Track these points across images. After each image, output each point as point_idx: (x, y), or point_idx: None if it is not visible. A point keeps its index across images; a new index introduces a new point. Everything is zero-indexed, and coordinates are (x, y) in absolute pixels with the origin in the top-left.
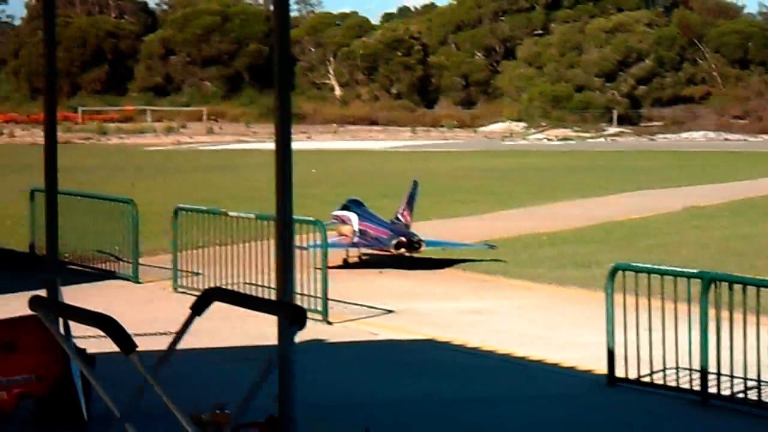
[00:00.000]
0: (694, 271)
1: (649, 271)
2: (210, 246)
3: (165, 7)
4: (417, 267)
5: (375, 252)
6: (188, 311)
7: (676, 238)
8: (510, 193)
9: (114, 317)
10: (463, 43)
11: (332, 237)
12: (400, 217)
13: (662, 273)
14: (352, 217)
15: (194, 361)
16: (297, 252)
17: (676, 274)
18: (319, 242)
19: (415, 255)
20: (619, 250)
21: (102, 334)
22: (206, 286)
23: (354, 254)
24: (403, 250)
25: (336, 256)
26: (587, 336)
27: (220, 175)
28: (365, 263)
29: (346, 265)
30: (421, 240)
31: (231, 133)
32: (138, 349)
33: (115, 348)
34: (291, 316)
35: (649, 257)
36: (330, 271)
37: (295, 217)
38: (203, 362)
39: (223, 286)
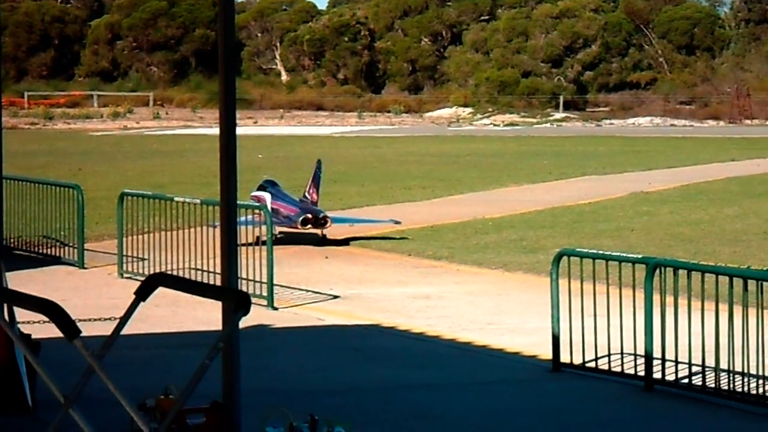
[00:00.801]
0: (639, 256)
1: (594, 257)
2: (156, 231)
3: None
4: (329, 245)
5: (286, 230)
6: (133, 296)
7: (624, 224)
8: (458, 179)
9: (58, 302)
10: (410, 28)
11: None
12: (307, 195)
13: (607, 258)
14: (267, 196)
15: (141, 346)
16: (243, 236)
17: (620, 260)
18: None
19: (324, 231)
20: (566, 236)
21: (47, 319)
22: (152, 272)
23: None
24: (309, 226)
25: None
26: (534, 321)
27: (167, 160)
28: (278, 241)
29: (257, 242)
30: (326, 216)
31: (178, 119)
32: (83, 334)
33: (60, 334)
34: (235, 301)
35: (596, 242)
36: (276, 256)
37: (240, 202)
38: (150, 347)
39: (169, 272)
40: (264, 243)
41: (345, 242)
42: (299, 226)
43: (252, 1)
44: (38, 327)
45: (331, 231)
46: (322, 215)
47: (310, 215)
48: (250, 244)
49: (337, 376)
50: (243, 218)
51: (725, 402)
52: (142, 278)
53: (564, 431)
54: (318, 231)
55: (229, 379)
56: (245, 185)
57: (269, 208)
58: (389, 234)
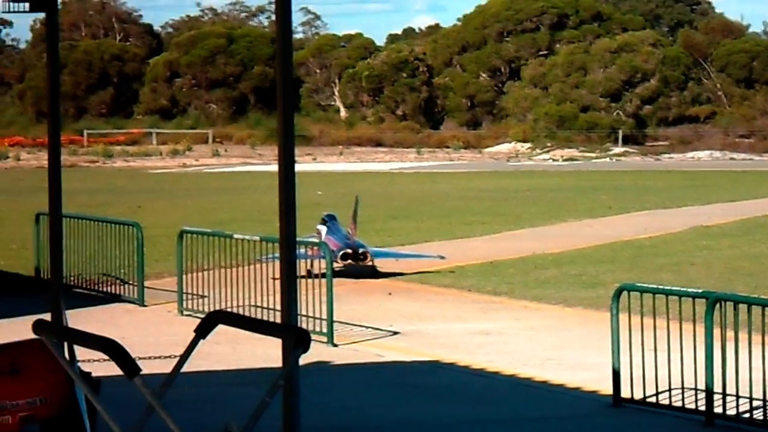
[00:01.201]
0: (699, 291)
1: (654, 291)
2: (215, 268)
3: (170, 29)
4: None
5: (338, 264)
6: (193, 334)
7: (684, 258)
8: (517, 214)
9: (118, 341)
10: (468, 64)
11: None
12: (350, 231)
13: (667, 293)
14: (323, 230)
15: (201, 384)
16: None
17: (681, 294)
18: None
19: (367, 265)
20: (626, 270)
21: (107, 357)
22: (212, 309)
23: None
24: (349, 261)
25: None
26: (594, 357)
27: (227, 198)
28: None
29: (309, 275)
30: (366, 251)
31: (237, 156)
32: (143, 372)
33: (120, 372)
34: (294, 339)
35: (656, 277)
36: (336, 293)
37: (300, 239)
38: (210, 385)
39: (229, 309)
40: (317, 276)
41: (393, 275)
42: (339, 260)
43: (311, 38)
44: (99, 365)
45: (382, 266)
46: (362, 250)
47: (350, 250)
48: (306, 277)
49: (395, 413)
50: (302, 251)
51: None
52: (202, 315)
53: None
54: (357, 264)
55: (288, 417)
56: (305, 221)
57: (324, 242)
58: (445, 269)
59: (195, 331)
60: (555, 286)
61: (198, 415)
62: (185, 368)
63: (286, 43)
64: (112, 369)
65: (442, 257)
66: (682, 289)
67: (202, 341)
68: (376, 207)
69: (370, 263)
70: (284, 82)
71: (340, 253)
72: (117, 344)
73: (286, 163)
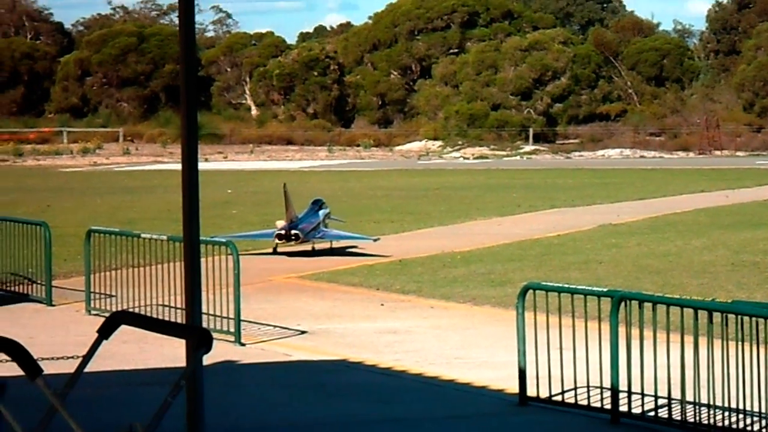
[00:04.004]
0: (604, 289)
1: (560, 290)
2: (124, 268)
3: (81, 28)
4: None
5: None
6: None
7: (592, 256)
8: (427, 212)
9: (19, 341)
10: (379, 62)
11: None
12: (295, 217)
13: (573, 292)
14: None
15: (106, 384)
16: (210, 271)
17: (586, 293)
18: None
19: (297, 247)
20: (534, 269)
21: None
22: (120, 308)
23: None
24: (283, 240)
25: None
26: (501, 355)
27: (137, 197)
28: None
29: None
30: (298, 233)
31: (147, 154)
32: (48, 372)
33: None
34: (197, 339)
35: (564, 275)
36: (245, 292)
37: (205, 238)
38: (115, 385)
39: (137, 308)
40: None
41: (331, 252)
42: (276, 240)
43: (222, 37)
44: (2, 366)
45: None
46: (294, 232)
47: (283, 231)
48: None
49: (302, 412)
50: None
51: None
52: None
53: None
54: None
55: (192, 416)
56: (213, 220)
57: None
58: (356, 270)
59: (98, 331)
60: (463, 284)
61: (102, 415)
62: (91, 368)
63: (189, 55)
64: (17, 369)
65: (377, 239)
66: (587, 287)
67: (105, 342)
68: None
69: (310, 246)
70: (187, 81)
71: (276, 233)
72: (18, 345)
73: (190, 163)
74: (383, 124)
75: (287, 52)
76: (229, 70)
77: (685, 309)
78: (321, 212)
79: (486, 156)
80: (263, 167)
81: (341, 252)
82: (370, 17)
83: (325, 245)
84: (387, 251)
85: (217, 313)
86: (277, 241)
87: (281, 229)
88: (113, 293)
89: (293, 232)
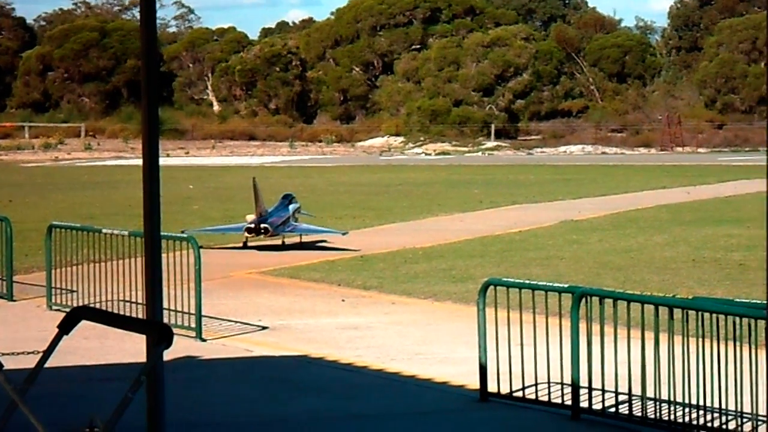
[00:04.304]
0: (565, 285)
1: (521, 286)
2: (85, 263)
3: (43, 23)
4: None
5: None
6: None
7: (554, 252)
8: (389, 208)
9: None
10: (341, 58)
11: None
12: (264, 211)
13: (533, 288)
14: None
15: (67, 379)
16: (172, 267)
17: (547, 289)
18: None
19: (268, 241)
20: (496, 265)
21: None
22: (81, 303)
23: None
24: (253, 234)
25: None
26: (462, 351)
27: (98, 192)
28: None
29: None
30: (267, 227)
31: (109, 149)
32: (9, 367)
33: None
34: (157, 335)
35: (526, 271)
36: (207, 288)
37: (166, 233)
38: (76, 380)
39: (98, 303)
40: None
41: (301, 246)
42: (246, 234)
43: (184, 32)
44: None
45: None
46: (263, 226)
47: (252, 225)
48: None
49: (264, 408)
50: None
51: (651, 430)
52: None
53: None
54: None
55: (152, 412)
56: (175, 216)
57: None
58: (318, 265)
59: (58, 327)
60: (425, 280)
61: (63, 411)
62: (52, 363)
63: (150, 33)
64: None
65: (345, 233)
66: (548, 283)
67: (65, 337)
68: (248, 201)
69: (281, 240)
70: (149, 75)
71: (244, 228)
72: None
73: (150, 159)
74: (345, 120)
75: (249, 48)
76: (191, 65)
77: (645, 305)
78: (291, 207)
79: (448, 152)
80: (225, 163)
81: (310, 246)
82: (332, 13)
83: (295, 239)
84: (354, 246)
85: (179, 309)
86: (246, 234)
87: (251, 223)
88: (74, 288)
89: (262, 225)
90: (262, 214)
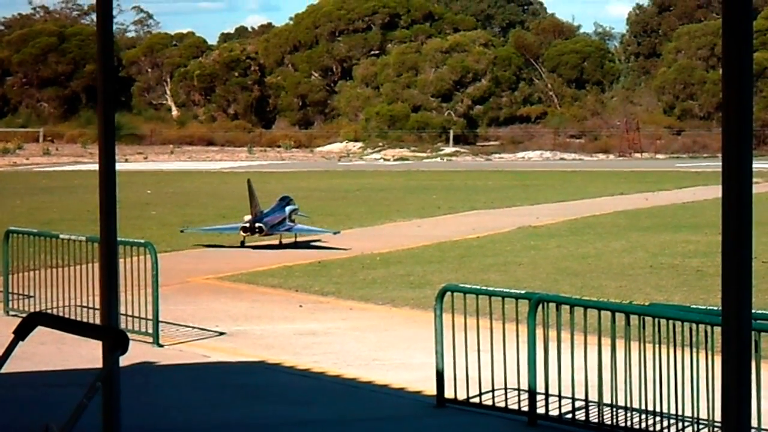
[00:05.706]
0: (522, 291)
1: (478, 292)
2: (42, 268)
3: (1, 27)
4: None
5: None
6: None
7: (511, 258)
8: (347, 214)
9: None
10: (300, 63)
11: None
12: (259, 211)
13: (490, 294)
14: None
15: (23, 385)
16: (129, 273)
17: (504, 295)
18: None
19: (265, 240)
20: (454, 270)
21: None
22: (38, 309)
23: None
24: (248, 233)
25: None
26: (419, 357)
27: (57, 197)
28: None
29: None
30: (262, 226)
31: (68, 154)
32: None
33: None
34: (112, 340)
35: (483, 277)
36: (164, 293)
37: (123, 239)
38: (32, 386)
39: (55, 309)
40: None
41: (295, 246)
42: (241, 233)
43: (143, 37)
44: None
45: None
46: (258, 225)
47: (247, 224)
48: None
49: (220, 413)
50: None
51: None
52: None
53: None
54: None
55: (108, 418)
56: (133, 221)
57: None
58: (275, 271)
59: (14, 332)
60: (382, 286)
61: (18, 416)
62: (8, 369)
63: (106, 35)
64: None
65: (337, 232)
66: (505, 289)
67: (21, 343)
68: (206, 206)
69: (278, 240)
70: (105, 79)
71: (240, 227)
72: None
73: (107, 163)
74: (304, 125)
75: (208, 53)
76: (149, 70)
77: (602, 311)
78: (288, 208)
79: (406, 158)
80: (183, 168)
81: (305, 245)
82: (291, 18)
83: (291, 239)
84: (302, 254)
85: (136, 314)
86: (242, 233)
87: (246, 223)
88: (31, 294)
89: (257, 225)
90: (257, 214)
